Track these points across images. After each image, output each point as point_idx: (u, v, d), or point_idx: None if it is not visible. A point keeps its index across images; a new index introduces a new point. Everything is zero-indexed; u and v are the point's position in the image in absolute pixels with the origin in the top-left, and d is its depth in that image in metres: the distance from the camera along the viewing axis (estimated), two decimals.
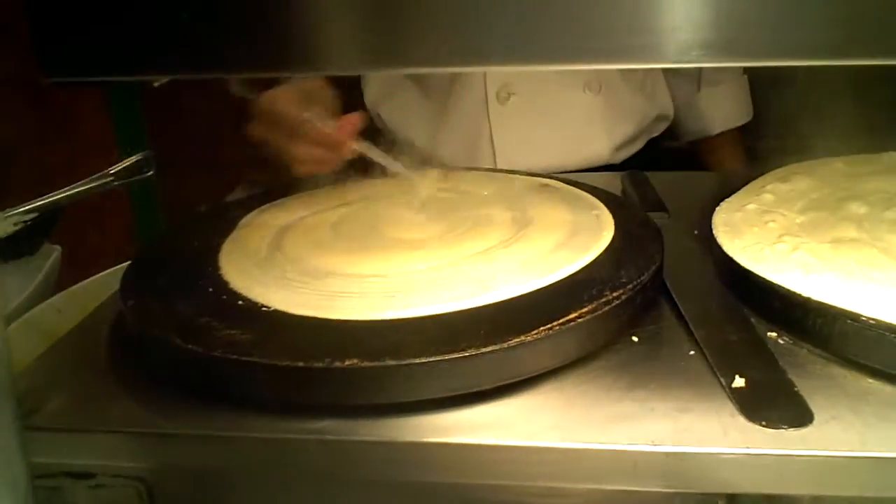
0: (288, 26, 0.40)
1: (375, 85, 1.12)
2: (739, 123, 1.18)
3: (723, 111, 1.17)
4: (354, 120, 0.77)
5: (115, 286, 0.67)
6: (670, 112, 1.14)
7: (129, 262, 0.70)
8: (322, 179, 0.83)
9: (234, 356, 0.52)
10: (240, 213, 0.77)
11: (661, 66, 0.41)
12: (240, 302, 0.59)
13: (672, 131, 1.19)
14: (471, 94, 1.05)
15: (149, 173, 0.95)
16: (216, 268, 0.65)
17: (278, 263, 0.65)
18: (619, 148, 1.07)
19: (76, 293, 0.86)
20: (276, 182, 0.85)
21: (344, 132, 0.77)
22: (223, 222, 0.75)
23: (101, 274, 0.90)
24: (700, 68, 1.14)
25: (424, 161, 0.82)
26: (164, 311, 0.58)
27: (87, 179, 0.91)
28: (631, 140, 1.09)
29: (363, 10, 0.40)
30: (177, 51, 0.40)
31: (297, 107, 0.78)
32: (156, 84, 0.49)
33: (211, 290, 0.61)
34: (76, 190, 0.90)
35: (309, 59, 0.42)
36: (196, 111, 1.58)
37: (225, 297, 0.60)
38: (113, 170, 0.93)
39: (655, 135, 1.14)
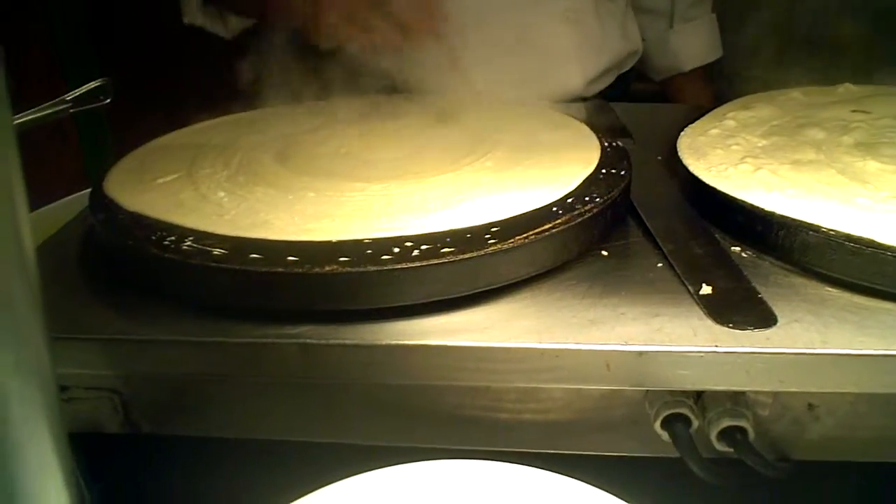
0: None
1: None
2: (710, 60, 1.19)
3: (694, 48, 1.18)
4: None
5: (71, 214, 0.67)
6: (640, 48, 1.15)
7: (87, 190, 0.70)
8: (284, 100, 0.82)
9: (213, 263, 0.52)
10: (202, 136, 0.76)
11: None
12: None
13: (642, 71, 1.20)
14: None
15: (106, 101, 0.92)
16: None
17: (244, 185, 0.64)
18: (591, 82, 1.08)
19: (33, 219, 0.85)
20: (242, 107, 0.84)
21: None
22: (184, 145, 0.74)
23: (56, 203, 0.89)
24: (673, 5, 1.15)
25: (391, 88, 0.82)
26: (137, 225, 0.58)
27: (41, 106, 0.88)
28: (603, 74, 1.10)
29: None
30: None
31: None
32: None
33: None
34: (30, 117, 0.87)
35: None
36: (149, 45, 1.53)
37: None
38: (69, 96, 0.90)
39: (625, 70, 1.15)
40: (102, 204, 0.62)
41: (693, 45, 1.18)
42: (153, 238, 0.55)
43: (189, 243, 0.54)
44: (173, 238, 0.55)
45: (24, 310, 0.27)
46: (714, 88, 1.22)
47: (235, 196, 0.61)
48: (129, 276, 0.58)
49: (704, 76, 1.21)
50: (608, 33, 1.08)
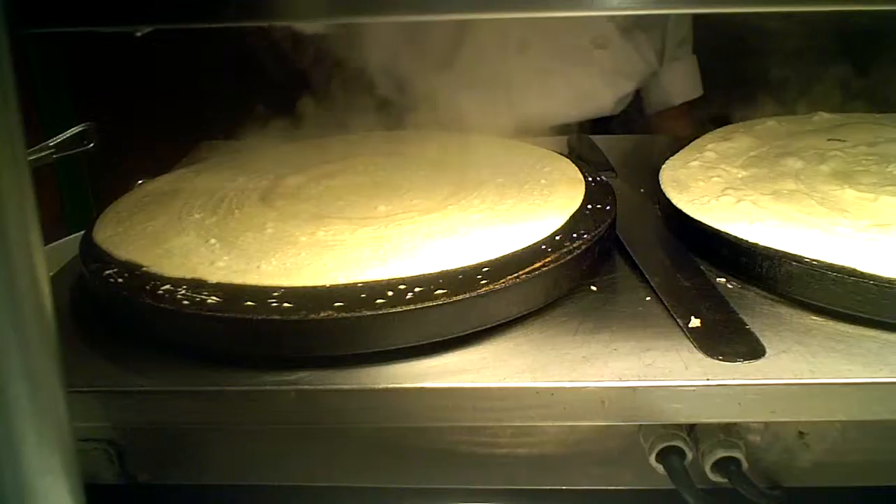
0: None
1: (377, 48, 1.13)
2: (694, 96, 1.28)
3: (682, 84, 1.27)
4: None
5: (55, 262, 0.67)
6: (656, 69, 1.21)
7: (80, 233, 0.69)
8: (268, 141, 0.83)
9: (208, 312, 0.52)
10: (188, 181, 0.77)
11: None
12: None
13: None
14: (487, 45, 1.08)
15: (90, 146, 0.92)
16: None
17: (234, 230, 0.64)
18: (619, 101, 1.13)
19: None
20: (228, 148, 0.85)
21: None
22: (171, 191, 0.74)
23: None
24: (663, 44, 1.22)
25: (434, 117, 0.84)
26: (130, 275, 0.58)
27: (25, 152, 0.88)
28: (628, 94, 1.15)
29: None
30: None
31: None
32: (138, 34, 0.48)
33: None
34: None
35: (282, 8, 0.43)
36: (129, 89, 1.54)
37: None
38: (52, 142, 0.90)
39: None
40: (93, 253, 0.62)
41: (681, 81, 1.27)
42: (147, 288, 0.55)
43: (183, 292, 0.54)
44: (167, 287, 0.55)
45: (41, 358, 0.27)
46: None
47: (226, 242, 0.62)
48: (122, 326, 0.58)
49: (689, 111, 1.29)
50: (633, 57, 1.17)
